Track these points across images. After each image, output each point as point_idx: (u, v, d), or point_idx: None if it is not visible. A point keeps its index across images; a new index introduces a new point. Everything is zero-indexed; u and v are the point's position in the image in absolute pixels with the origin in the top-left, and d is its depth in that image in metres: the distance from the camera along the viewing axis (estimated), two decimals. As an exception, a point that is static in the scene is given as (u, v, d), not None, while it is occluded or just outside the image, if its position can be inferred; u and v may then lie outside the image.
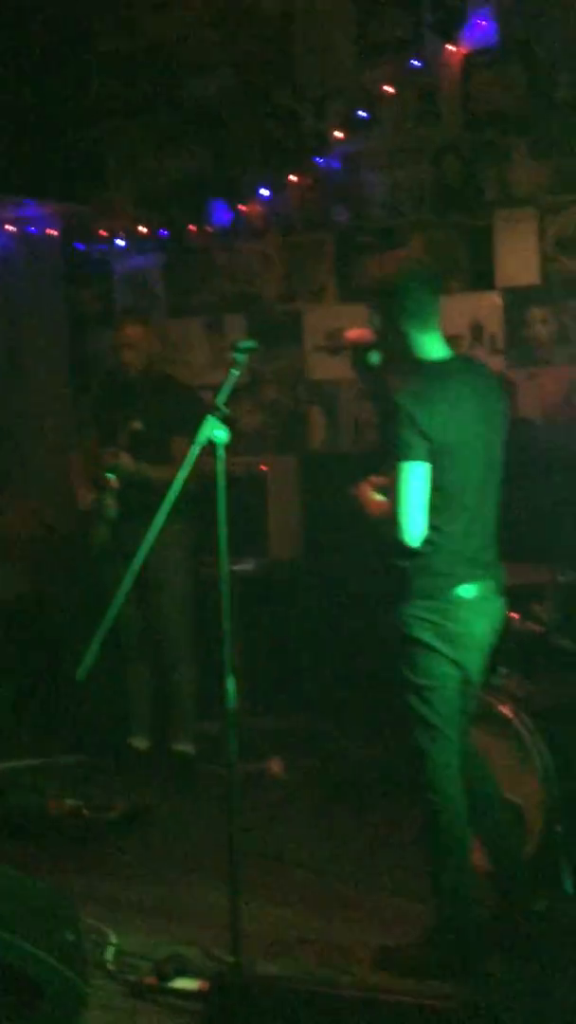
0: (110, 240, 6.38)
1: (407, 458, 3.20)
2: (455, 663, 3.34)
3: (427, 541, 3.27)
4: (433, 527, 3.27)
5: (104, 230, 6.39)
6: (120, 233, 6.34)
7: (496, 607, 3.41)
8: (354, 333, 3.55)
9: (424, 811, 3.39)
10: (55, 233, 6.50)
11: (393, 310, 3.34)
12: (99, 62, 6.42)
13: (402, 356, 3.38)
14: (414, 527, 3.23)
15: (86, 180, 6.45)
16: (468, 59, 5.23)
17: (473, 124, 5.26)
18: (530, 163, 5.12)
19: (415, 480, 3.21)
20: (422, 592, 3.30)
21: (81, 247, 6.49)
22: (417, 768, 3.36)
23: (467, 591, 3.31)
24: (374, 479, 3.41)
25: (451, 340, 5.28)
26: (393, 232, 5.50)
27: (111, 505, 4.94)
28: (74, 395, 6.59)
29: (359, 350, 3.51)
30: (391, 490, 3.25)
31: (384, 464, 3.32)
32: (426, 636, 3.30)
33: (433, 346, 3.38)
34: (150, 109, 6.28)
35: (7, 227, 6.46)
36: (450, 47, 5.23)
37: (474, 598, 3.32)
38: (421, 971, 3.35)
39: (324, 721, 5.38)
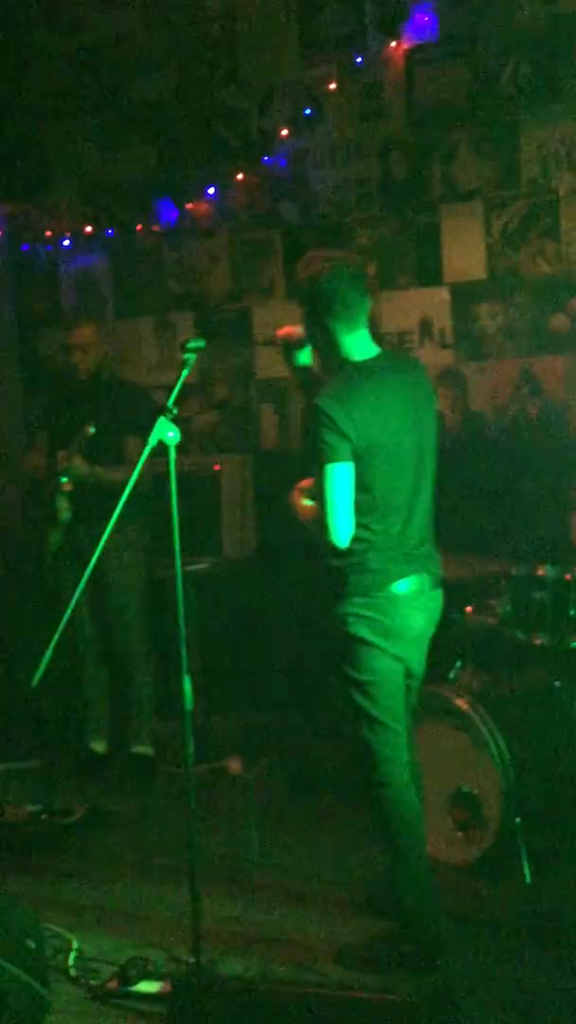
0: (56, 240, 6.34)
1: (329, 460, 3.23)
2: (395, 657, 3.36)
3: (359, 539, 3.30)
4: (364, 526, 3.30)
5: (50, 230, 6.35)
6: (66, 233, 6.30)
7: (433, 600, 3.44)
8: (284, 330, 3.54)
9: (376, 805, 3.40)
10: (0, 233, 6.45)
11: (318, 310, 3.34)
12: (43, 60, 6.37)
13: (328, 355, 3.41)
14: (342, 528, 3.26)
15: (31, 180, 6.40)
16: (411, 55, 5.24)
17: (418, 120, 5.28)
18: (475, 158, 5.14)
19: (339, 481, 3.24)
20: (358, 590, 3.33)
21: (27, 248, 6.44)
22: (365, 763, 3.38)
23: (402, 587, 3.34)
24: (302, 484, 3.44)
25: (400, 335, 5.31)
26: (340, 228, 5.51)
27: (64, 509, 4.91)
28: (24, 397, 6.54)
29: (289, 347, 3.52)
30: (318, 493, 3.27)
31: (309, 467, 3.34)
32: (364, 633, 3.33)
33: (359, 345, 3.38)
34: (95, 108, 6.25)
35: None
36: (393, 43, 5.24)
37: (410, 593, 3.35)
38: (383, 965, 3.37)
39: (282, 718, 5.39)
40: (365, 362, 3.38)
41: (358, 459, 3.25)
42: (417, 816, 3.40)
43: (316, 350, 3.50)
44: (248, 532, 5.66)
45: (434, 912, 3.42)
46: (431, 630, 3.46)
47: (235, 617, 5.54)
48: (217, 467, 5.52)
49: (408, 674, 3.41)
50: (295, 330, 3.52)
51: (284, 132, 5.58)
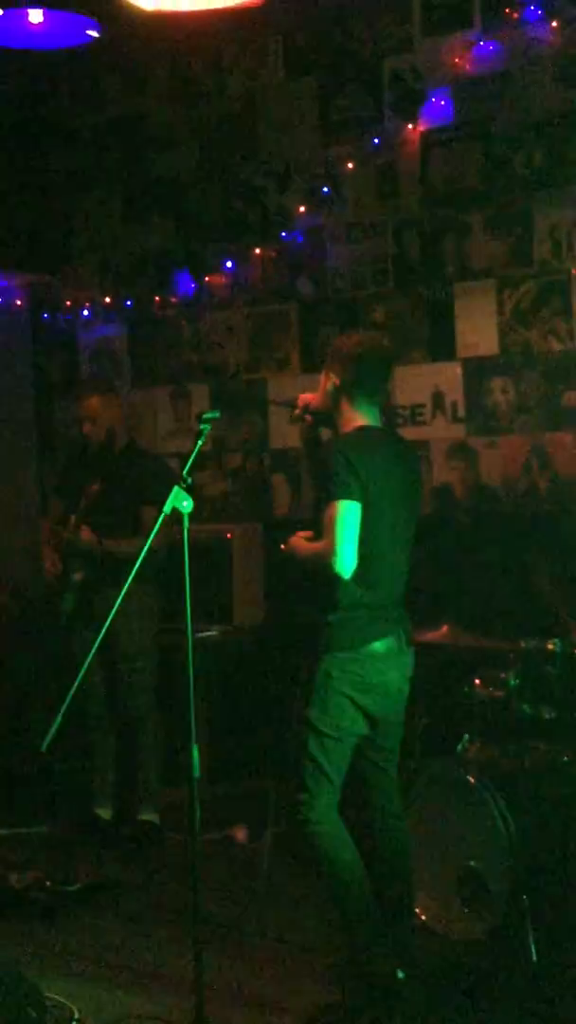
0: (76, 310, 6.46)
1: (342, 496, 3.40)
2: (366, 715, 3.51)
3: (350, 596, 3.46)
4: (355, 582, 3.44)
5: (70, 300, 6.47)
6: (86, 303, 6.42)
7: (406, 658, 3.61)
8: (308, 396, 3.76)
9: (311, 843, 3.51)
10: (21, 304, 6.58)
11: (348, 381, 3.56)
12: (67, 135, 6.54)
13: (341, 420, 3.60)
14: (348, 559, 3.39)
15: (53, 252, 6.54)
16: (427, 137, 5.38)
17: (432, 200, 5.40)
18: (488, 238, 5.25)
19: (349, 517, 3.40)
20: (343, 644, 3.50)
21: (47, 317, 6.57)
22: (302, 802, 3.51)
23: (382, 645, 3.52)
24: (301, 534, 3.59)
25: (413, 408, 5.40)
26: (355, 304, 5.61)
27: (77, 573, 4.95)
28: (39, 463, 6.62)
29: (311, 414, 3.69)
30: (326, 527, 3.41)
31: (317, 508, 3.49)
32: (345, 688, 3.49)
33: (371, 416, 3.62)
34: (117, 182, 6.40)
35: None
36: (409, 126, 5.38)
37: (388, 651, 3.53)
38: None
39: (289, 788, 5.35)
40: (374, 429, 3.61)
41: (364, 504, 3.44)
42: (355, 854, 3.50)
43: (326, 414, 3.67)
44: (258, 600, 5.68)
45: (385, 952, 3.45)
46: (406, 687, 3.63)
47: (245, 684, 5.53)
48: (229, 535, 5.57)
49: (379, 725, 3.55)
50: (312, 398, 3.72)
51: (301, 209, 5.71)
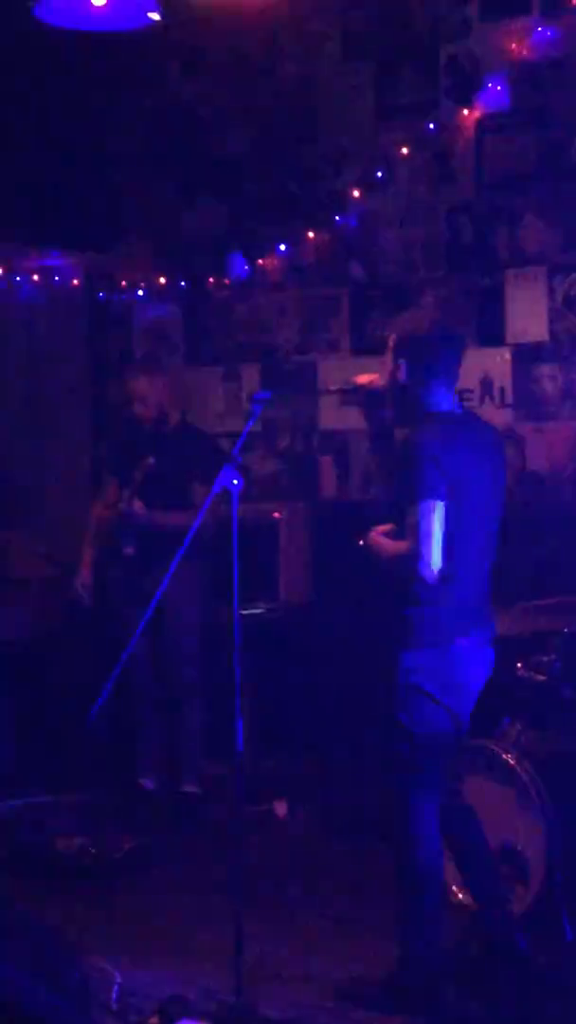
0: (131, 290, 6.53)
1: (426, 496, 3.26)
2: (451, 713, 3.41)
3: (431, 589, 3.32)
4: (440, 577, 3.31)
5: (125, 280, 6.54)
6: (140, 284, 6.49)
7: (488, 656, 3.51)
8: (365, 377, 3.62)
9: (400, 850, 3.46)
10: (78, 283, 6.66)
11: (423, 363, 3.42)
12: (126, 117, 6.60)
13: (418, 407, 3.45)
14: (433, 562, 3.26)
15: (109, 232, 6.61)
16: (482, 123, 5.37)
17: (486, 186, 5.40)
18: (540, 224, 5.25)
19: (436, 518, 3.25)
20: (426, 641, 3.37)
21: (103, 297, 6.65)
22: (397, 811, 3.43)
23: (466, 641, 3.40)
24: (380, 528, 3.47)
25: (461, 393, 5.39)
26: (406, 289, 5.64)
27: (128, 548, 5.04)
28: (94, 441, 6.71)
29: (370, 395, 3.62)
30: (410, 528, 3.28)
31: (396, 507, 3.37)
32: (428, 684, 3.37)
33: (449, 402, 3.48)
34: (173, 164, 6.46)
35: (33, 277, 6.63)
36: (465, 111, 5.38)
37: (472, 648, 3.41)
38: (385, 1006, 3.41)
39: (330, 764, 5.43)
40: (455, 414, 3.47)
41: (450, 500, 3.29)
42: (439, 869, 3.45)
43: (401, 400, 3.51)
44: (305, 579, 5.74)
45: (439, 960, 3.45)
46: (482, 686, 3.52)
47: (289, 662, 5.60)
48: (277, 515, 5.63)
49: (457, 730, 3.46)
50: (376, 378, 3.59)
51: (356, 193, 5.73)
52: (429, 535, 3.24)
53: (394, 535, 3.41)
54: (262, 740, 5.29)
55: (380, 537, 3.43)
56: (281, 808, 5.10)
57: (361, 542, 3.48)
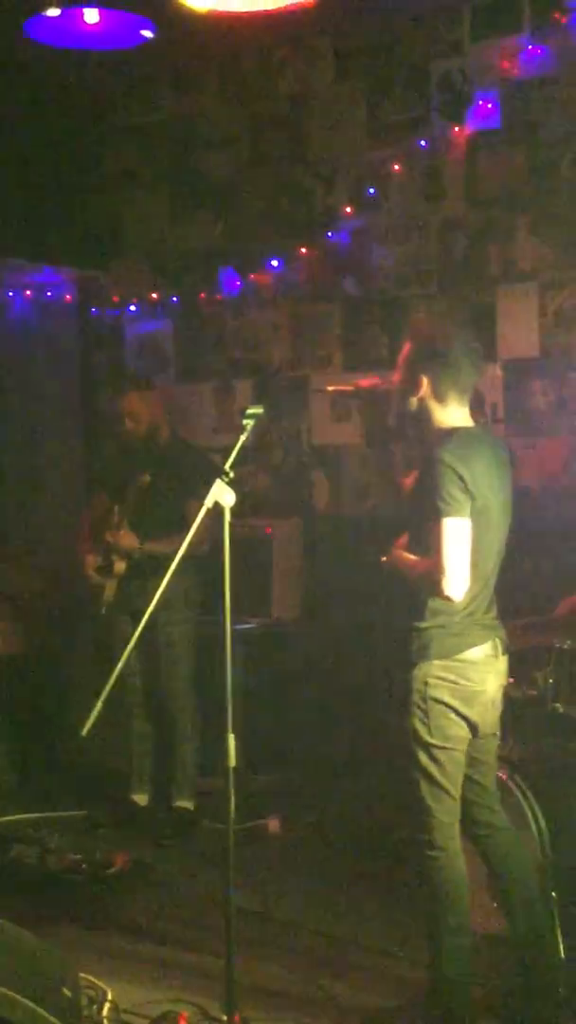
0: (123, 306, 6.55)
1: (452, 514, 3.23)
2: (468, 724, 3.40)
3: (442, 601, 3.29)
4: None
5: (118, 296, 6.56)
6: (133, 299, 6.51)
7: (502, 665, 3.49)
8: (368, 381, 3.61)
9: (425, 869, 3.41)
10: (71, 299, 6.68)
11: (447, 379, 3.38)
12: (118, 133, 6.63)
13: (430, 421, 3.42)
14: (460, 581, 3.23)
15: (101, 247, 6.63)
16: (473, 139, 5.41)
17: (477, 202, 5.43)
18: (532, 240, 5.27)
19: (461, 535, 3.23)
20: (441, 652, 3.35)
21: (95, 312, 6.66)
22: (421, 825, 3.39)
23: (479, 651, 3.39)
24: (400, 543, 3.45)
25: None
26: (398, 304, 5.66)
27: (119, 563, 5.04)
28: (85, 455, 6.72)
29: (372, 398, 3.60)
30: (434, 546, 3.24)
31: (415, 523, 3.35)
32: (445, 696, 3.35)
33: (462, 416, 3.45)
34: (166, 180, 6.48)
35: (25, 292, 6.64)
36: (456, 128, 5.41)
37: (485, 658, 3.40)
38: None
39: (324, 779, 5.43)
40: (469, 429, 3.44)
41: (472, 517, 3.28)
42: (463, 883, 3.41)
43: (412, 413, 3.46)
44: (297, 594, 5.75)
45: (468, 982, 3.41)
46: (499, 695, 3.51)
47: (281, 677, 5.60)
48: (269, 530, 5.63)
49: (475, 740, 3.45)
50: (378, 381, 3.57)
51: (348, 209, 5.76)
52: (458, 555, 3.22)
53: (409, 548, 3.39)
54: (255, 756, 5.29)
55: (407, 555, 3.40)
56: (274, 824, 5.10)
57: (384, 559, 3.44)
